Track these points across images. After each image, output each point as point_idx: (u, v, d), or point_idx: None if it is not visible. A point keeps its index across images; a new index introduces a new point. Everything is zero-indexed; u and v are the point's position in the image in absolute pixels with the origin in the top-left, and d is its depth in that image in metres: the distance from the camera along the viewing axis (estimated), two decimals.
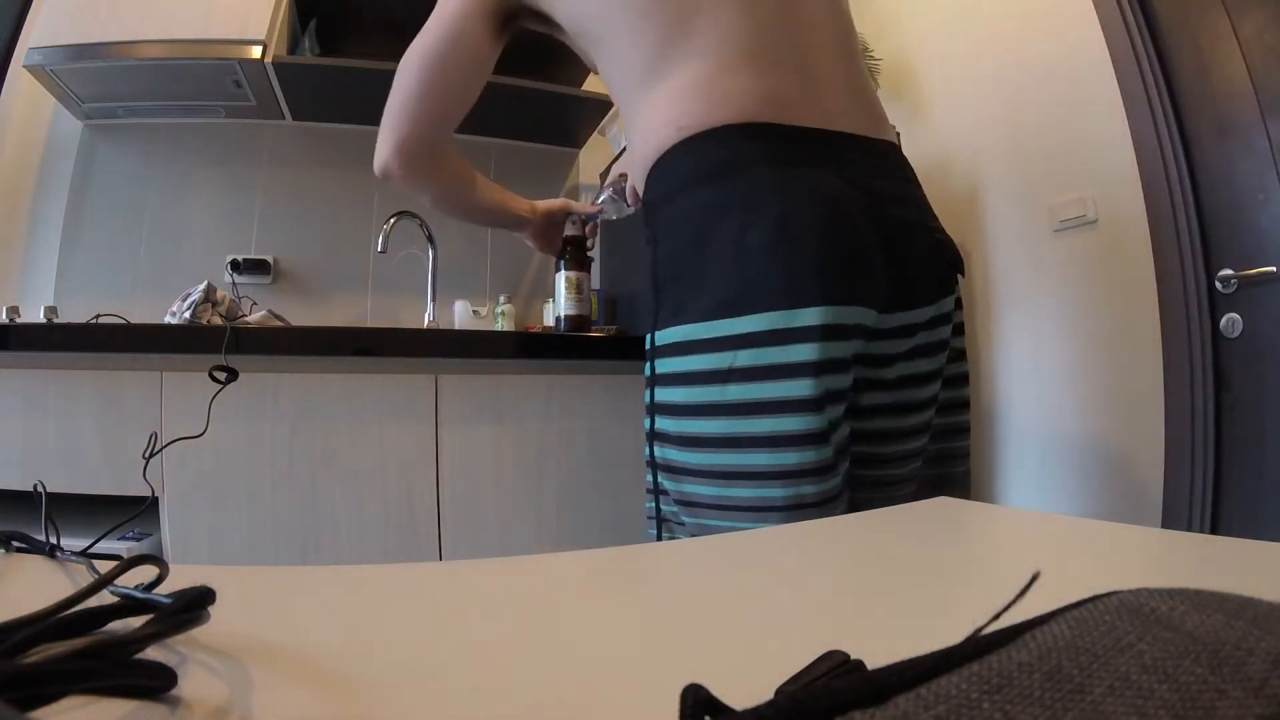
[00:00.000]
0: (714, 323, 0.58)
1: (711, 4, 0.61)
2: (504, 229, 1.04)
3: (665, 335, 0.63)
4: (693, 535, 0.61)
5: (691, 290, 0.60)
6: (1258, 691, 0.11)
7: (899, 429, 0.65)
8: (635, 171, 0.69)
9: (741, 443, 0.57)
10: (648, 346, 0.66)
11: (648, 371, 0.66)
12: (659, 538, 0.64)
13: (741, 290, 0.57)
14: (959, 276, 0.71)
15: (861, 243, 0.59)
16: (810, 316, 0.55)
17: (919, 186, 0.71)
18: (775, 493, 0.56)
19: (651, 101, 0.63)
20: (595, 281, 1.56)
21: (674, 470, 0.62)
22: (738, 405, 0.57)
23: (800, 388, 0.55)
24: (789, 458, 0.55)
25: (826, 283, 0.56)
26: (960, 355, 0.73)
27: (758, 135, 0.59)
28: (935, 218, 0.71)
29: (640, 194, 0.69)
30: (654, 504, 0.65)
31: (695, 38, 0.60)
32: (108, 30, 1.50)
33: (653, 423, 0.65)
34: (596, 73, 0.75)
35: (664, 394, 0.63)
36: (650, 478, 0.66)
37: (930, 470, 0.70)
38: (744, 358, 0.56)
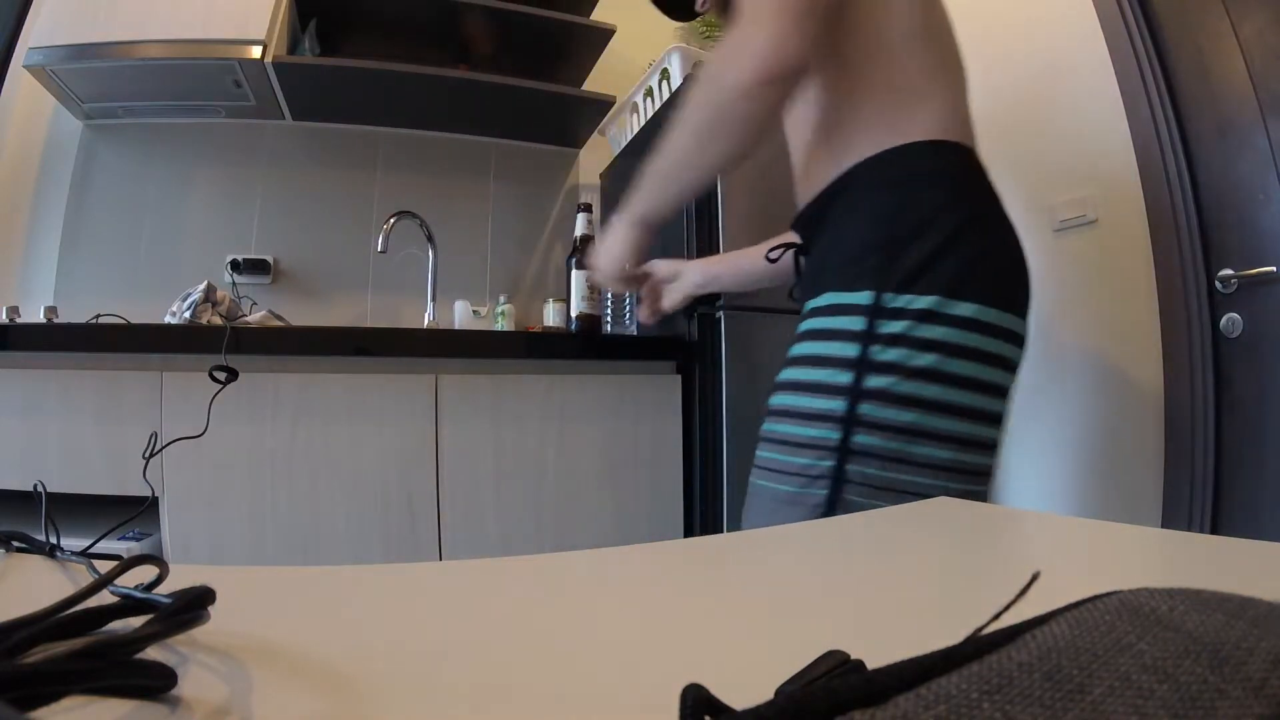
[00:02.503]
0: (955, 302, 0.65)
1: (944, 48, 0.74)
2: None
3: (902, 300, 0.66)
4: (875, 493, 0.65)
5: (929, 266, 0.67)
6: (1258, 691, 0.11)
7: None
8: (847, 150, 0.73)
9: (977, 415, 0.67)
10: (868, 303, 0.67)
11: (863, 326, 0.67)
12: (832, 498, 0.66)
13: (973, 280, 0.66)
14: None
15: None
16: (1015, 324, 0.69)
17: None
18: (984, 461, 0.69)
19: (913, 98, 0.71)
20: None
21: (895, 429, 0.65)
22: (973, 380, 0.66)
23: (1007, 379, 0.69)
24: (993, 433, 0.69)
25: (1023, 296, 0.71)
26: None
27: (970, 156, 0.73)
28: None
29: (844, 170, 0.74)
30: (833, 462, 0.66)
31: (949, 72, 0.74)
32: (108, 30, 1.50)
33: (859, 380, 0.66)
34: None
35: (897, 355, 0.66)
36: (835, 434, 0.66)
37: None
38: (973, 339, 0.65)
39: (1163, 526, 1.19)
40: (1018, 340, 0.69)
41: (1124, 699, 0.11)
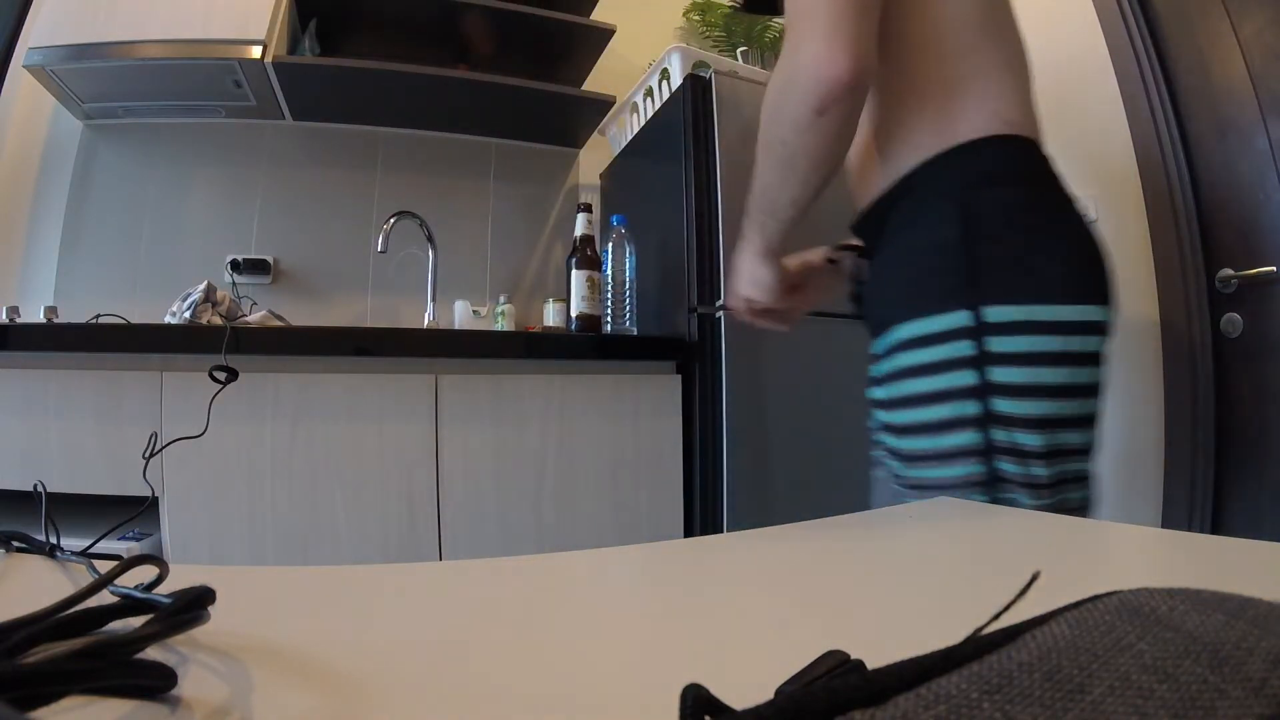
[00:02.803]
0: (1055, 306, 0.63)
1: (1005, 37, 0.71)
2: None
3: (1002, 313, 0.62)
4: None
5: (1018, 272, 0.64)
6: (1258, 691, 0.11)
7: None
8: (917, 145, 0.70)
9: (1091, 422, 0.65)
10: (969, 324, 0.63)
11: (972, 350, 0.63)
12: (990, 498, 0.62)
13: (1064, 281, 0.64)
14: None
15: None
16: (1099, 314, 0.65)
17: None
18: (1088, 468, 0.65)
19: (974, 91, 0.68)
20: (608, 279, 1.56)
21: (1033, 455, 0.61)
22: (1087, 387, 0.64)
23: (1102, 375, 0.65)
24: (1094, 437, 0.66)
25: (1109, 283, 0.68)
26: None
27: (1036, 149, 0.70)
28: None
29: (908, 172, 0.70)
30: (986, 498, 0.62)
31: (1011, 61, 0.70)
32: (108, 30, 1.50)
33: (987, 407, 0.62)
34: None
35: (1018, 375, 0.62)
36: (979, 468, 0.62)
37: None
38: (1076, 343, 0.63)
39: (1163, 526, 1.19)
40: (1108, 330, 0.67)
41: (1124, 699, 0.11)
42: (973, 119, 0.67)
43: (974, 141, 0.66)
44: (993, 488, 0.61)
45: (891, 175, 0.71)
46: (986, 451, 0.62)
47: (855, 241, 0.85)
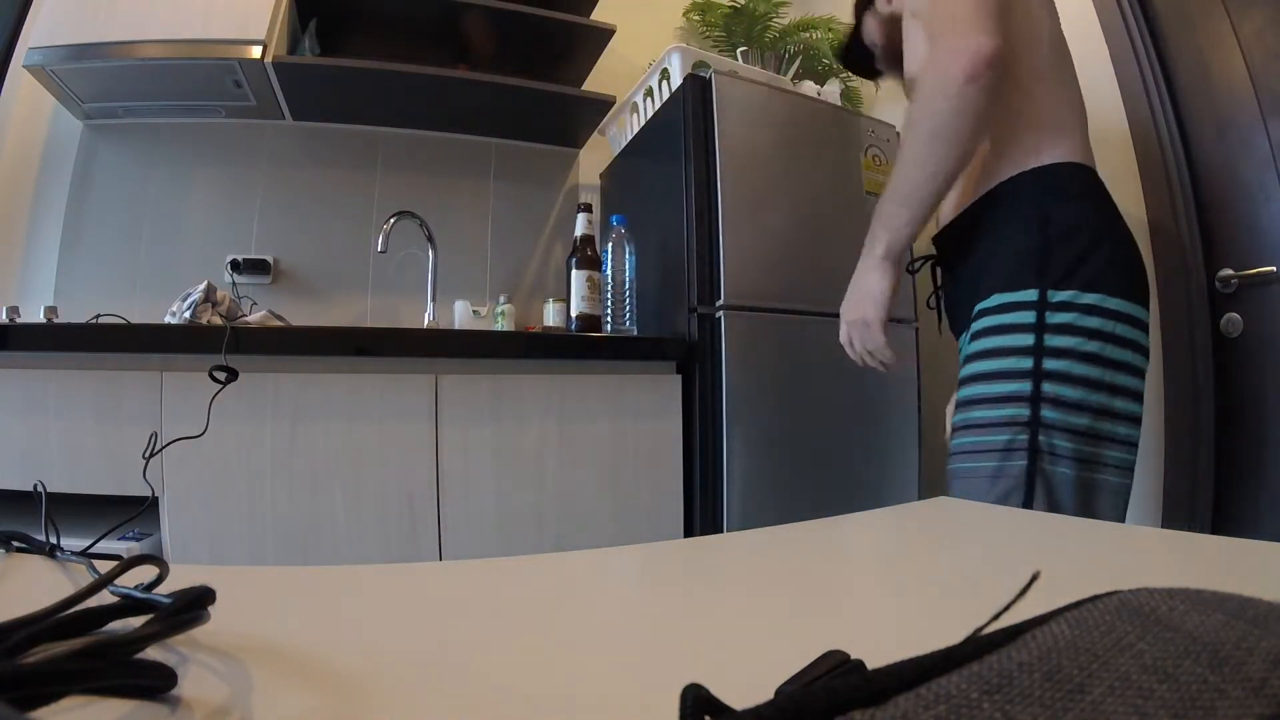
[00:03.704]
0: (1106, 297, 0.76)
1: (1073, 87, 0.87)
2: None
3: (1064, 295, 0.76)
4: (1069, 464, 0.74)
5: (1083, 266, 0.78)
6: (1258, 691, 0.11)
7: None
8: (1017, 155, 0.84)
9: (1135, 395, 0.78)
10: (1035, 299, 0.77)
11: (1033, 319, 0.77)
12: (1031, 470, 0.75)
13: (1115, 278, 0.77)
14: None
15: None
16: (1137, 310, 0.78)
17: None
18: (1138, 437, 0.79)
19: (1051, 127, 0.83)
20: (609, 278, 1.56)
21: (1077, 406, 0.74)
22: (1129, 365, 0.77)
23: (1145, 363, 0.79)
24: (1141, 411, 0.80)
25: (1147, 291, 0.81)
26: None
27: (1098, 177, 0.85)
28: None
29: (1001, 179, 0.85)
30: (1027, 435, 0.75)
31: (1077, 106, 0.87)
32: (108, 30, 1.50)
33: (1038, 363, 0.76)
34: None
35: (1068, 341, 0.75)
36: (1024, 410, 0.75)
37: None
38: (1123, 329, 0.76)
39: (1163, 526, 1.19)
40: (1144, 325, 0.80)
41: (1124, 699, 0.11)
42: (1051, 149, 0.81)
43: (1057, 165, 0.81)
44: (1034, 428, 0.74)
45: (980, 190, 0.85)
46: (1034, 399, 0.74)
47: (928, 254, 1.00)
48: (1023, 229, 0.80)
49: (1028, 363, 0.75)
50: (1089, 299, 0.75)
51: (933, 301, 1.00)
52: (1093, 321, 0.75)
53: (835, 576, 0.32)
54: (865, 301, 0.87)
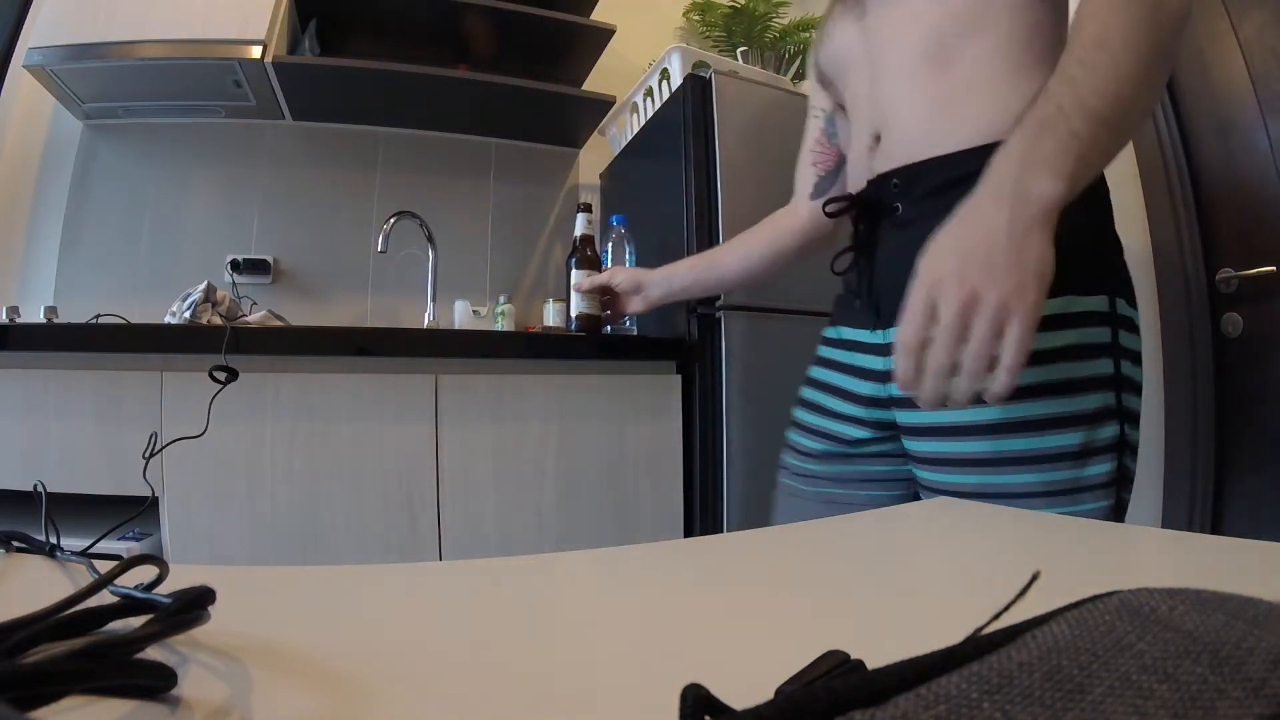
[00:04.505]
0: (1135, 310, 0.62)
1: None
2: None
3: (1127, 309, 0.62)
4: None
5: (1125, 269, 0.64)
6: (1258, 691, 0.11)
7: None
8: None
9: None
10: (1108, 310, 0.60)
11: (1109, 338, 0.59)
12: (1120, 493, 0.59)
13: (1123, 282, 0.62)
14: None
15: None
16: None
17: None
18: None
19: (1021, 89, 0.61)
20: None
21: (1135, 451, 0.60)
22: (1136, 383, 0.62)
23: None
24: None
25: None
26: None
27: None
28: None
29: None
30: (1115, 457, 0.59)
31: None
32: (108, 30, 1.50)
33: (1119, 369, 0.60)
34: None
35: (1134, 372, 0.60)
36: (1117, 430, 0.59)
37: None
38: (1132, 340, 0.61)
39: (1163, 526, 1.19)
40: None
41: (1124, 699, 0.11)
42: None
43: None
44: (1122, 489, 0.58)
45: (976, 133, 0.60)
46: (1120, 425, 0.58)
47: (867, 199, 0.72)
48: (1086, 211, 0.59)
49: (1113, 399, 0.58)
50: (1132, 311, 0.61)
51: (843, 266, 0.73)
52: (1137, 343, 0.61)
53: (835, 576, 0.32)
54: (1021, 271, 0.46)
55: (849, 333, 0.74)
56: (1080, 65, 0.50)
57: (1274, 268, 1.19)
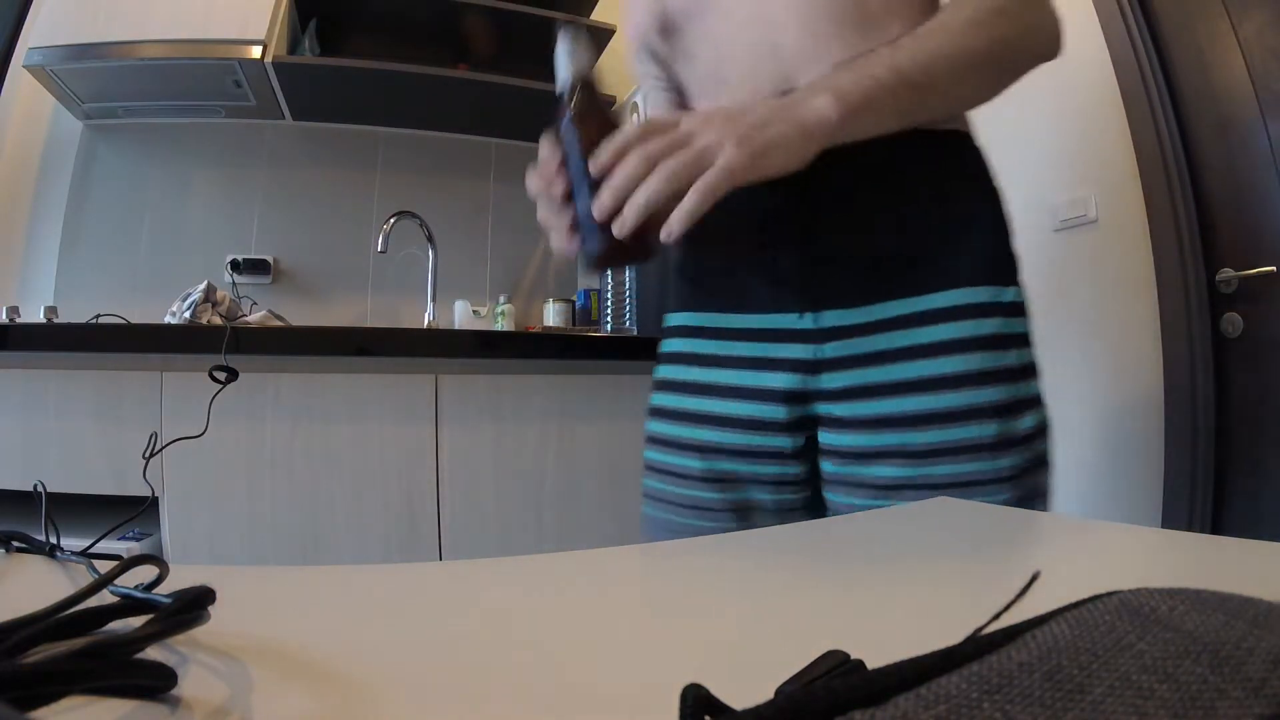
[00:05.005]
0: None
1: None
2: None
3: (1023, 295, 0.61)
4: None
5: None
6: (1258, 691, 0.11)
7: None
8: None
9: None
10: (1021, 300, 0.61)
11: (1026, 329, 0.61)
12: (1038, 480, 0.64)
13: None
14: None
15: None
16: None
17: None
18: None
19: None
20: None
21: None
22: None
23: None
24: None
25: None
26: None
27: None
28: None
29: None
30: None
31: None
32: (108, 30, 1.50)
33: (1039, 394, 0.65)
34: None
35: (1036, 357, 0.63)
36: (1038, 418, 0.64)
37: None
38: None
39: (1163, 526, 1.19)
40: None
41: (1124, 699, 0.11)
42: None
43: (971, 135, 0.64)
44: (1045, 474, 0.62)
45: (956, 118, 0.61)
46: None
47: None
48: (996, 204, 0.61)
49: (1037, 388, 0.61)
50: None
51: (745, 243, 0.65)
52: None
53: (835, 576, 0.32)
54: (753, 141, 0.47)
55: (755, 320, 0.64)
56: (913, 36, 0.52)
57: (1274, 268, 1.19)
